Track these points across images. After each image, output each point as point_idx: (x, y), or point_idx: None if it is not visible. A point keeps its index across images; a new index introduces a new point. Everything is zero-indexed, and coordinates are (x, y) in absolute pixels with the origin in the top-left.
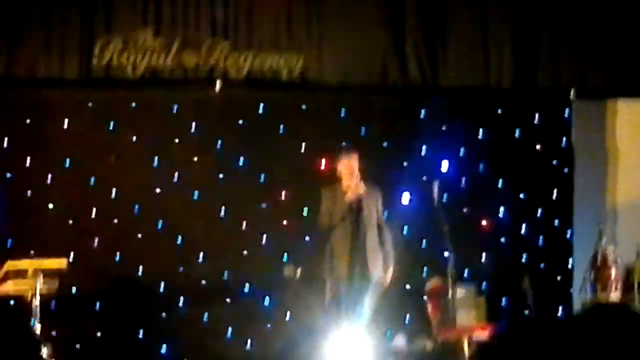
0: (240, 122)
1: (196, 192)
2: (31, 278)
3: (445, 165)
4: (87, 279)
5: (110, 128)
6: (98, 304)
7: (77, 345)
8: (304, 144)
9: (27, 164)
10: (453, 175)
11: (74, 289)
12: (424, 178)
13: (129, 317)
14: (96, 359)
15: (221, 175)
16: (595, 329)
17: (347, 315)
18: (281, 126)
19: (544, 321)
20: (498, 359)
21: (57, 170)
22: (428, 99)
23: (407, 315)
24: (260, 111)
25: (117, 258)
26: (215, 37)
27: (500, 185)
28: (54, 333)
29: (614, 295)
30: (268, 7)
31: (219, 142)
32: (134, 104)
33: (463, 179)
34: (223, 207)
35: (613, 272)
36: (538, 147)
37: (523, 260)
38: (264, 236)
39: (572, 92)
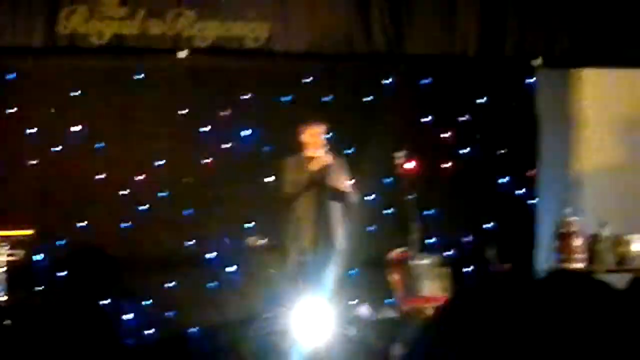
0: (206, 90)
1: (160, 161)
2: None
3: (408, 135)
4: (53, 249)
5: (76, 96)
6: (64, 273)
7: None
8: (268, 113)
9: None
10: (417, 144)
11: (40, 257)
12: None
13: (93, 285)
14: (61, 326)
15: (186, 144)
16: (555, 293)
17: (312, 284)
18: (246, 95)
19: (502, 285)
20: (451, 320)
21: (22, 139)
22: (393, 67)
23: (371, 285)
24: (225, 80)
25: (81, 227)
26: (181, 6)
27: (464, 153)
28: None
29: (579, 266)
30: None
31: (185, 110)
32: (99, 73)
33: (427, 149)
34: (187, 176)
35: (577, 241)
36: (504, 116)
37: (487, 229)
38: (228, 205)
39: (537, 61)
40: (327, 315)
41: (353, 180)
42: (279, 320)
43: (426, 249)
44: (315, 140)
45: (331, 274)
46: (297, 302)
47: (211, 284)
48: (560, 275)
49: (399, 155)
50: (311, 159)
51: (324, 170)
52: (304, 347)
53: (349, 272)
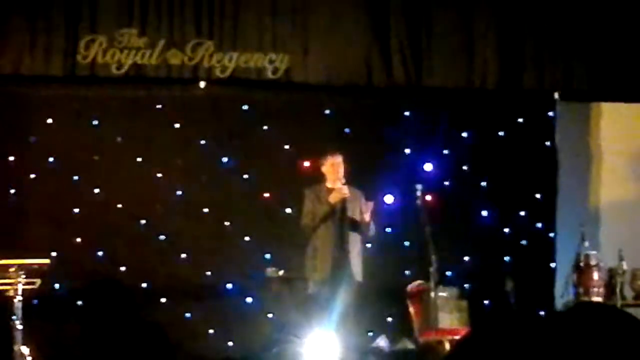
0: (225, 121)
1: (179, 191)
2: (14, 276)
3: (429, 167)
4: (69, 278)
5: (94, 125)
6: (80, 302)
7: (59, 344)
8: (288, 145)
9: (11, 161)
10: (437, 177)
11: (56, 287)
12: (408, 180)
13: (110, 316)
14: (77, 357)
15: (205, 175)
16: (579, 325)
17: (330, 315)
18: (265, 126)
19: (525, 318)
20: (473, 354)
21: (40, 168)
22: (412, 100)
23: (389, 317)
24: (245, 111)
25: (100, 256)
26: (200, 36)
27: (484, 186)
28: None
29: (596, 299)
30: (253, 7)
31: (203, 141)
32: (118, 102)
33: (447, 181)
34: (206, 207)
35: (595, 275)
36: (522, 149)
37: (506, 262)
38: (247, 236)
39: (556, 95)
40: (345, 346)
41: (363, 208)
42: (297, 352)
43: (444, 282)
44: (335, 171)
45: (349, 305)
46: (312, 332)
47: (230, 314)
48: (585, 308)
49: (418, 188)
50: (331, 190)
51: (344, 201)
52: None
53: (367, 303)
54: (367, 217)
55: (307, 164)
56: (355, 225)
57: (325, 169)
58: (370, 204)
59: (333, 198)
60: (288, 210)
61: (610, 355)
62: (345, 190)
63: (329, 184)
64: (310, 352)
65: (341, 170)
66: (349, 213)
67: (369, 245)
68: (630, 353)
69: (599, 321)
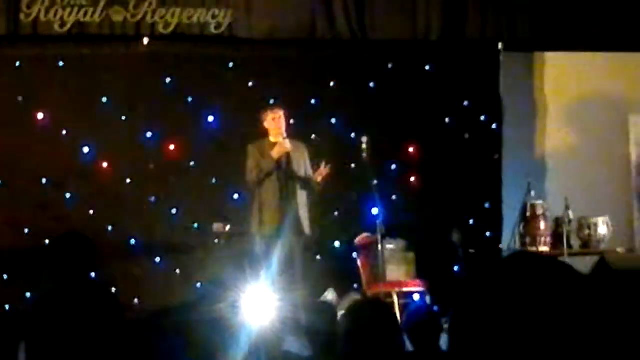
0: (168, 78)
1: (124, 148)
2: None
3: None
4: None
5: (38, 84)
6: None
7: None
8: (231, 100)
9: None
10: (381, 129)
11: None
12: (353, 133)
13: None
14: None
15: (149, 132)
16: (515, 275)
17: (277, 270)
18: (208, 82)
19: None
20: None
21: None
22: (356, 52)
23: (337, 271)
24: (189, 66)
25: (46, 216)
26: None
27: (429, 139)
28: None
29: (544, 249)
30: None
31: (147, 98)
32: (61, 60)
33: (391, 133)
34: (151, 165)
35: (542, 225)
36: (466, 100)
37: (452, 214)
38: (192, 192)
39: (500, 45)
40: (293, 301)
41: (321, 171)
42: (244, 309)
43: (391, 235)
44: (277, 126)
45: (297, 259)
46: (257, 288)
47: (175, 270)
48: (521, 257)
49: (363, 141)
50: (274, 145)
51: (287, 156)
52: (253, 331)
53: (315, 257)
54: (319, 178)
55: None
56: (301, 180)
57: (267, 124)
58: (326, 169)
59: (276, 153)
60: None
61: (543, 303)
62: (288, 144)
63: (271, 139)
64: (255, 308)
65: (283, 124)
66: (294, 167)
67: (315, 199)
68: (562, 301)
69: (532, 270)
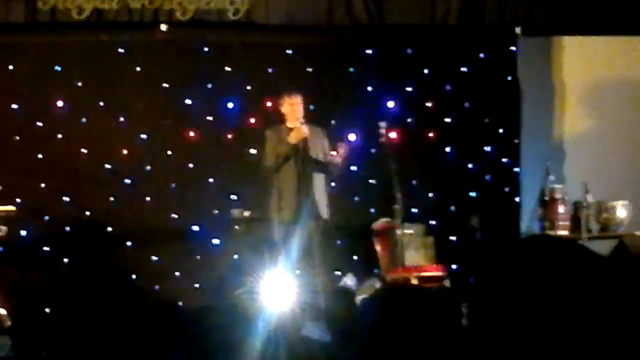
0: (187, 64)
1: (143, 134)
2: None
3: (391, 104)
4: (35, 224)
5: (57, 71)
6: (46, 248)
7: (25, 291)
8: (249, 86)
9: None
10: (400, 114)
11: (22, 233)
12: (372, 118)
13: (76, 262)
14: (44, 303)
15: (168, 118)
16: (534, 257)
17: (296, 255)
18: (227, 68)
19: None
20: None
21: (2, 115)
22: (374, 38)
23: (356, 255)
24: (206, 52)
25: (66, 201)
26: None
27: (447, 122)
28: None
29: (563, 233)
30: None
31: (166, 84)
32: (79, 48)
33: (410, 118)
34: (170, 150)
35: (561, 208)
36: (485, 84)
37: (471, 198)
38: (210, 179)
39: (517, 29)
40: (313, 285)
41: (338, 151)
42: (256, 292)
43: (410, 219)
44: (294, 111)
45: (315, 244)
46: (276, 274)
47: (196, 256)
48: (540, 240)
49: (382, 126)
50: (291, 130)
51: (305, 141)
52: (271, 316)
53: (334, 242)
54: (338, 159)
55: (269, 104)
56: (319, 164)
57: (284, 109)
58: (344, 147)
59: (293, 138)
60: (252, 151)
61: (562, 286)
62: (305, 129)
63: (289, 124)
64: (274, 294)
65: (300, 109)
66: (311, 152)
67: (332, 184)
68: (581, 283)
69: (551, 253)
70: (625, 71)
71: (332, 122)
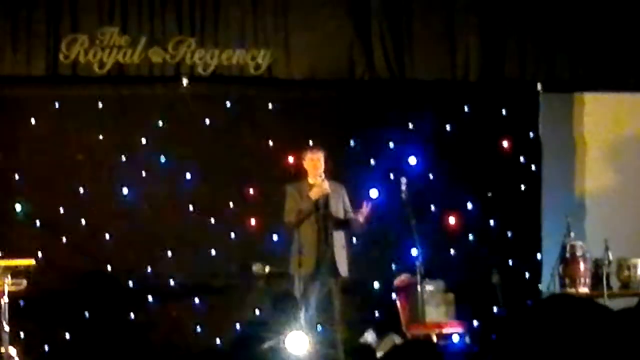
0: (208, 119)
1: (164, 190)
2: None
3: (413, 161)
4: (56, 278)
5: (78, 125)
6: (67, 302)
7: (46, 345)
8: (270, 141)
9: None
10: (421, 170)
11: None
12: (392, 174)
13: (98, 315)
14: (65, 358)
15: (188, 173)
16: (554, 318)
17: (316, 311)
18: (248, 122)
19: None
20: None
21: (24, 169)
22: (395, 93)
23: (376, 312)
24: (228, 107)
25: (86, 257)
26: (182, 33)
27: (468, 179)
28: (22, 333)
29: (583, 290)
30: (234, 3)
31: (187, 139)
32: (100, 102)
33: (431, 174)
34: (191, 205)
35: (582, 265)
36: (505, 141)
37: (492, 255)
38: (232, 233)
39: (539, 85)
40: (333, 341)
41: (362, 210)
42: (278, 348)
43: (430, 275)
44: (315, 167)
45: (335, 300)
46: (297, 329)
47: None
48: (560, 300)
49: (403, 181)
50: (312, 186)
51: (326, 197)
52: None
53: (353, 299)
54: (361, 218)
55: (289, 160)
56: (339, 221)
57: (305, 164)
58: (368, 206)
59: (314, 194)
60: (272, 208)
61: (581, 346)
62: (326, 185)
63: (310, 180)
64: (295, 349)
65: (321, 165)
66: (331, 209)
67: (354, 240)
68: (599, 343)
69: (571, 313)
70: None
71: (352, 178)
